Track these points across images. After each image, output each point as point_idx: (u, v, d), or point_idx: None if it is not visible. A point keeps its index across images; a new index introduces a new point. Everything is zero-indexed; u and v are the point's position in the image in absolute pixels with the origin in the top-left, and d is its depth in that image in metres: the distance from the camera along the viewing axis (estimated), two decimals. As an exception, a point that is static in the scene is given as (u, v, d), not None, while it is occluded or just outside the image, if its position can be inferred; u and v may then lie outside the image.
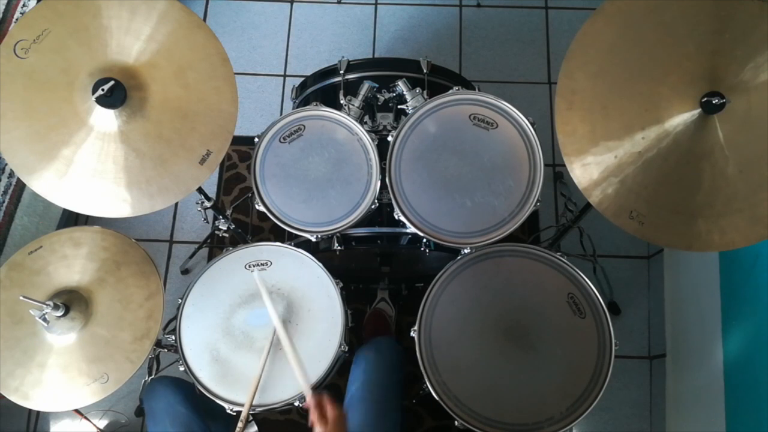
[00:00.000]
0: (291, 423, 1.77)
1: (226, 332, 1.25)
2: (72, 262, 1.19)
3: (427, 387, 1.17)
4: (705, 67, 1.02)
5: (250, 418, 1.16)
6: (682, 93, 1.03)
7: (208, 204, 1.45)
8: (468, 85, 1.58)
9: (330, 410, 1.01)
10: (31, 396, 1.12)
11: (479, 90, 1.37)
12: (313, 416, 1.00)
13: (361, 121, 1.36)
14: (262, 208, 1.29)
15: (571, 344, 1.20)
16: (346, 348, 1.23)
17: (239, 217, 2.00)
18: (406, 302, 1.83)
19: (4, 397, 1.12)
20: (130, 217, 1.08)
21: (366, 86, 1.40)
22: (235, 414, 1.18)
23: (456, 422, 1.14)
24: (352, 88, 1.45)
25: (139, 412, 1.78)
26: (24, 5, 1.76)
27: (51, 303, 1.08)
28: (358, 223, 1.29)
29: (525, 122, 1.29)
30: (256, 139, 1.33)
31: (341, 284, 1.29)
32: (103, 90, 1.02)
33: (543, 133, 1.29)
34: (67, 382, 1.12)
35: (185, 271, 1.97)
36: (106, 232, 1.24)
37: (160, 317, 1.18)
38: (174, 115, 1.09)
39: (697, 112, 1.01)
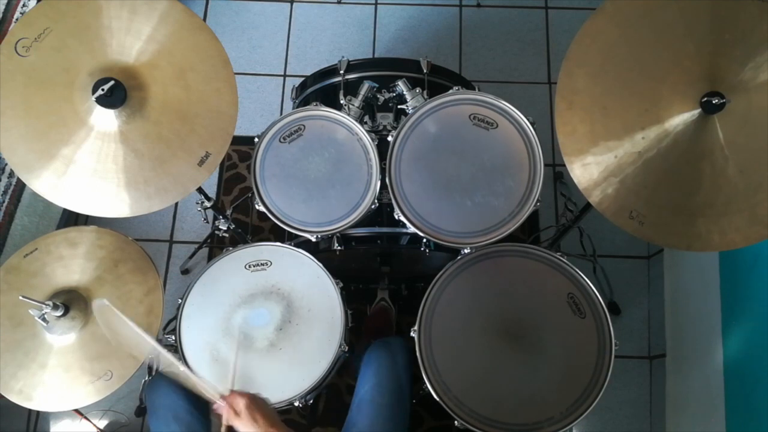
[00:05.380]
0: (291, 423, 1.77)
1: (226, 332, 1.25)
2: (69, 263, 1.20)
3: (427, 387, 1.17)
4: (705, 67, 1.02)
5: None
6: (682, 93, 1.03)
7: (208, 204, 1.45)
8: (468, 85, 1.58)
9: (239, 402, 0.99)
10: (34, 397, 1.12)
11: (479, 90, 1.37)
12: (229, 416, 0.99)
13: (361, 121, 1.36)
14: (262, 208, 1.29)
15: (571, 344, 1.20)
16: (346, 348, 1.23)
17: (239, 217, 2.00)
18: (406, 302, 1.83)
19: (3, 396, 1.12)
20: (130, 217, 1.08)
21: (366, 86, 1.40)
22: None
23: (456, 422, 1.14)
24: (352, 88, 1.45)
25: (139, 412, 1.78)
26: (24, 5, 1.76)
27: (50, 303, 1.08)
28: (358, 223, 1.29)
29: (525, 122, 1.29)
30: (256, 139, 1.33)
31: (341, 284, 1.29)
32: (103, 90, 1.02)
33: (543, 133, 1.29)
34: (70, 382, 1.12)
35: (185, 271, 1.97)
36: (102, 231, 1.24)
37: (161, 312, 1.18)
38: (174, 116, 1.09)
39: (697, 112, 1.01)
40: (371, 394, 1.19)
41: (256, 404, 0.99)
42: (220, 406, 1.01)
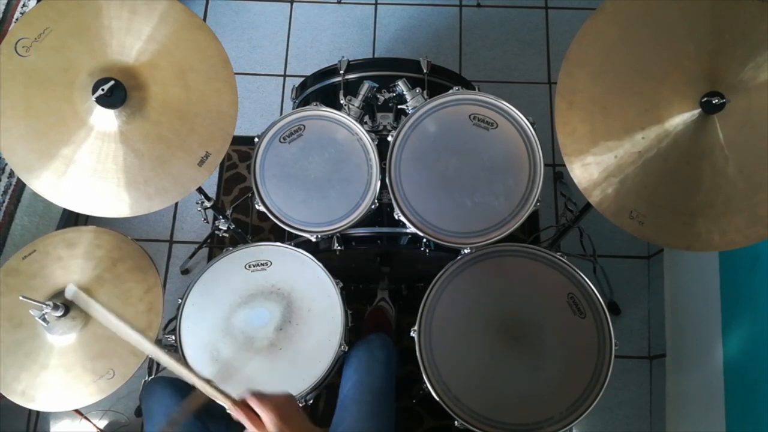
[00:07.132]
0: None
1: (226, 332, 1.25)
2: (67, 263, 1.19)
3: (427, 387, 1.17)
4: (705, 67, 1.02)
5: None
6: (682, 93, 1.03)
7: (208, 204, 1.45)
8: (468, 85, 1.58)
9: (260, 408, 0.83)
10: (37, 398, 1.12)
11: (479, 90, 1.37)
12: (248, 423, 0.83)
13: (361, 121, 1.36)
14: (262, 208, 1.29)
15: (571, 344, 1.20)
16: (346, 348, 1.23)
17: (239, 217, 2.00)
18: (406, 302, 1.83)
19: (4, 397, 1.12)
20: (130, 217, 1.08)
21: (366, 86, 1.40)
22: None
23: (456, 422, 1.14)
24: (352, 88, 1.45)
25: (139, 412, 1.78)
26: (24, 5, 1.76)
27: (50, 303, 1.08)
28: (358, 223, 1.29)
29: (525, 122, 1.29)
30: (256, 139, 1.33)
31: (341, 284, 1.29)
32: (103, 90, 1.02)
33: (543, 133, 1.29)
34: (72, 381, 1.12)
35: (185, 271, 1.97)
36: (100, 231, 1.24)
37: (161, 309, 1.18)
38: (174, 116, 1.09)
39: (697, 112, 1.01)
40: (353, 392, 1.20)
41: (288, 421, 0.83)
42: (236, 414, 0.85)
